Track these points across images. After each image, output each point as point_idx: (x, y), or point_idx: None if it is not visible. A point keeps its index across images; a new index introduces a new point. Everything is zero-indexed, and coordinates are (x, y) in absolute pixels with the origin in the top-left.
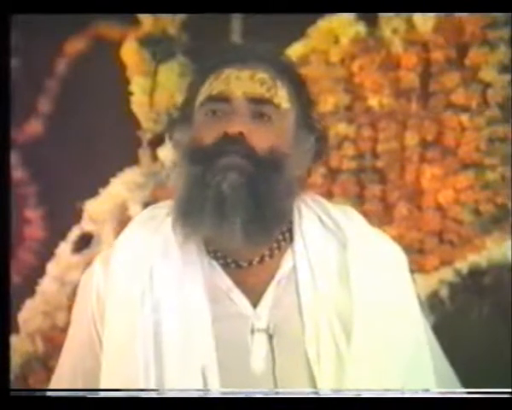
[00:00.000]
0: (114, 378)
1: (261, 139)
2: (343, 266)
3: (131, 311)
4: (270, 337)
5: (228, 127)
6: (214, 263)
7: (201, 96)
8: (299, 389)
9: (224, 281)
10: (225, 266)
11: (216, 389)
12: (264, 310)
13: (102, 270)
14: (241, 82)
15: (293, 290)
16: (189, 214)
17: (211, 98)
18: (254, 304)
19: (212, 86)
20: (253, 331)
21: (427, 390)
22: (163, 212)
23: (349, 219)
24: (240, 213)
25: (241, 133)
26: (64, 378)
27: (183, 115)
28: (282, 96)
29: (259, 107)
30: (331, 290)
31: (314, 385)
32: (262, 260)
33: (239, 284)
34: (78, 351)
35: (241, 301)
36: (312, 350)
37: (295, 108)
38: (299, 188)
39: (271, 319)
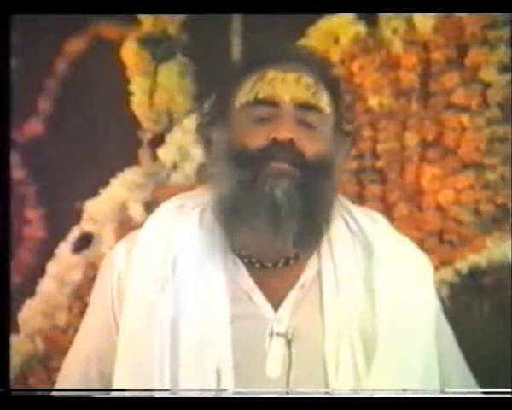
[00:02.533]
0: (129, 367)
1: (308, 146)
2: (368, 277)
3: (151, 300)
4: (289, 342)
5: (277, 132)
6: (238, 261)
7: (243, 98)
8: (311, 392)
9: (247, 281)
10: (249, 266)
11: (229, 390)
12: (284, 314)
13: (125, 254)
14: (287, 86)
15: (316, 296)
16: (242, 221)
17: (257, 102)
18: (275, 307)
19: (256, 89)
20: (271, 335)
21: (424, 391)
22: (190, 204)
23: (375, 225)
24: (294, 220)
25: (291, 140)
26: (77, 361)
27: (216, 115)
28: (325, 101)
29: (306, 113)
30: (355, 301)
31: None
32: (287, 262)
33: (261, 285)
34: (94, 334)
35: (261, 302)
36: (331, 362)
37: (334, 112)
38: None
39: (291, 324)
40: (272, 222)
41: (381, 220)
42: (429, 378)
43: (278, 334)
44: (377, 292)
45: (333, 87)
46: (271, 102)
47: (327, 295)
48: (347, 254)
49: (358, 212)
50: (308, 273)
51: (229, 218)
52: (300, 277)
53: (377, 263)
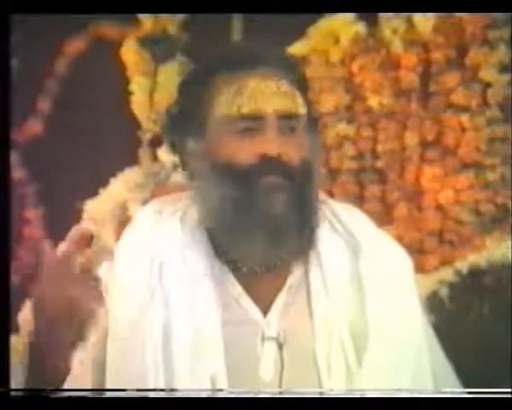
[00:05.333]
0: (121, 378)
1: (293, 154)
2: (355, 274)
3: (140, 311)
4: (281, 346)
5: (266, 148)
6: (225, 267)
7: (224, 110)
8: (304, 394)
9: (235, 286)
10: (236, 271)
11: (223, 390)
12: (274, 317)
13: (108, 268)
14: (268, 97)
15: (304, 298)
16: (239, 241)
17: (241, 116)
18: (265, 311)
19: (237, 102)
20: (263, 339)
21: (426, 391)
22: (168, 209)
23: (358, 222)
24: (293, 233)
25: (279, 154)
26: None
27: (191, 123)
28: (300, 103)
29: (288, 122)
30: (343, 300)
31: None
32: (274, 265)
33: (250, 289)
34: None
35: (250, 307)
36: (323, 361)
37: (307, 112)
38: None
39: (282, 327)
40: (273, 239)
41: (361, 216)
42: (421, 373)
43: (269, 338)
44: (365, 288)
45: (302, 85)
46: (256, 116)
47: (315, 296)
48: (333, 253)
49: (339, 209)
50: (295, 275)
51: (224, 235)
52: (288, 279)
53: (363, 260)
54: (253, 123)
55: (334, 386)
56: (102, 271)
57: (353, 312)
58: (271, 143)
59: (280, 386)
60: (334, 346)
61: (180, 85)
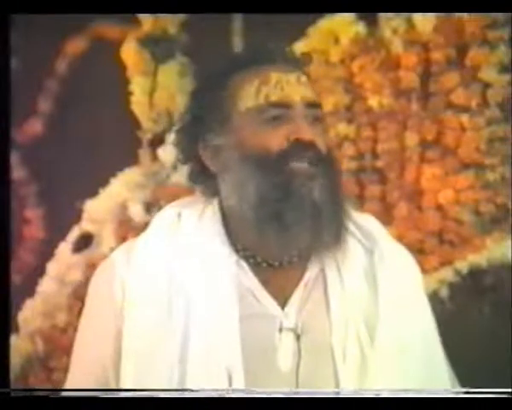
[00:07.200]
0: (135, 374)
1: (321, 142)
2: (370, 271)
3: (159, 312)
4: (298, 337)
5: (298, 133)
6: (242, 263)
7: (249, 102)
8: (320, 388)
9: (251, 281)
10: (255, 266)
11: (237, 388)
12: (292, 310)
13: (126, 263)
14: (293, 87)
15: (320, 292)
16: (286, 228)
17: (269, 104)
18: (282, 304)
19: (263, 92)
20: (281, 330)
21: (427, 391)
22: (186, 212)
23: (371, 225)
24: (334, 220)
25: (311, 140)
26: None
27: (215, 119)
28: (316, 93)
29: (314, 111)
30: (358, 293)
31: (337, 385)
32: (291, 260)
33: (268, 283)
34: (103, 348)
35: (268, 301)
36: (338, 350)
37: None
38: None
39: (299, 319)
40: (315, 225)
41: (374, 220)
42: (434, 365)
43: (288, 329)
44: (379, 287)
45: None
46: (284, 104)
47: (332, 291)
48: (348, 252)
49: (354, 214)
50: (311, 272)
51: (247, 227)
52: (304, 275)
53: (379, 261)
54: (281, 111)
55: (349, 375)
56: (118, 270)
57: (368, 307)
58: (303, 129)
59: (297, 375)
60: (350, 337)
61: (194, 91)
